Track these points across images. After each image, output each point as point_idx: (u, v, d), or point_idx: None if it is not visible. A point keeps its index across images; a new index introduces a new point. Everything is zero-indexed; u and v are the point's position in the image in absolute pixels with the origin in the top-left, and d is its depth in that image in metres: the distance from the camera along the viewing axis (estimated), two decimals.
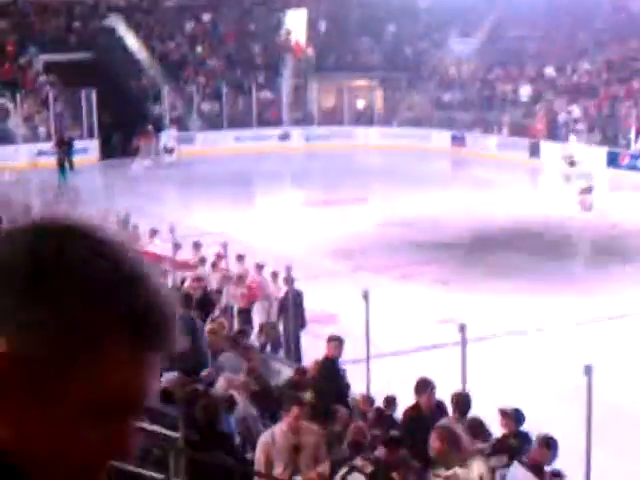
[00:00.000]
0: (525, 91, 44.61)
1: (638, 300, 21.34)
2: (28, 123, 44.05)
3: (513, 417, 10.18)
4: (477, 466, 8.51)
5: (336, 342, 12.33)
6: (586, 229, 29.10)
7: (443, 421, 9.54)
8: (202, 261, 19.79)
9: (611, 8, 47.23)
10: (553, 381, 15.84)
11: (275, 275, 18.64)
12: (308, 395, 10.69)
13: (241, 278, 18.45)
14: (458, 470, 8.43)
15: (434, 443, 8.48)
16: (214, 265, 19.48)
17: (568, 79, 44.82)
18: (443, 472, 8.48)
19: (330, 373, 11.90)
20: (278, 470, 8.32)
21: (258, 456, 8.47)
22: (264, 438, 8.50)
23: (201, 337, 12.90)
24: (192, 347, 11.93)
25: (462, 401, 9.92)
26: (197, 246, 20.76)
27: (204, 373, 11.05)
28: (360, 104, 50.55)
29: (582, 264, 24.99)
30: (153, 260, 18.73)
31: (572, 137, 38.08)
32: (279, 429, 8.44)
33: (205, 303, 16.77)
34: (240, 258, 19.53)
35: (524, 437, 10.39)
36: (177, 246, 20.14)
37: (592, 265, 24.89)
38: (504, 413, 10.41)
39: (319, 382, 11.46)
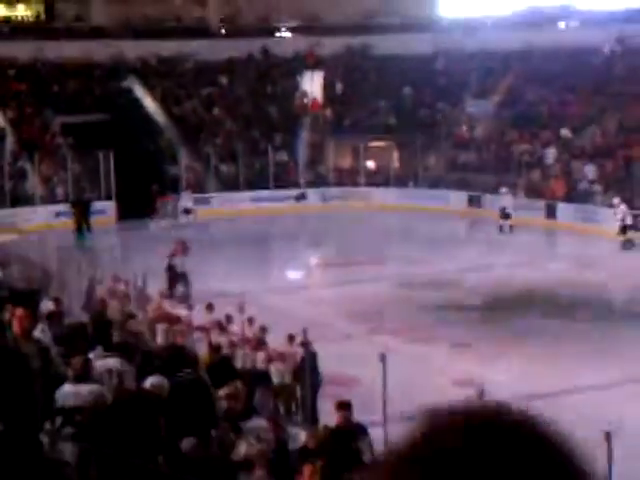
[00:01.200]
0: (551, 154, 44.57)
1: None
2: (46, 184, 44.30)
3: None
4: None
5: (345, 409, 12.14)
6: (603, 291, 28.94)
7: None
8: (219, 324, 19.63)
9: (626, 70, 47.39)
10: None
11: (292, 338, 18.50)
12: (318, 463, 10.57)
13: (260, 341, 18.33)
14: None
15: None
16: (222, 328, 19.29)
17: (584, 141, 44.88)
18: None
19: (341, 441, 11.75)
20: None
21: None
22: None
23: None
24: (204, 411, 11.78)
25: None
26: (210, 307, 20.67)
27: None
28: (371, 165, 50.61)
29: (601, 326, 24.78)
30: (170, 321, 18.78)
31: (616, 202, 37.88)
32: None
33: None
34: (251, 321, 19.32)
35: None
36: (210, 307, 20.22)
37: (612, 328, 24.67)
38: None
39: (329, 450, 11.30)
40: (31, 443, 7.49)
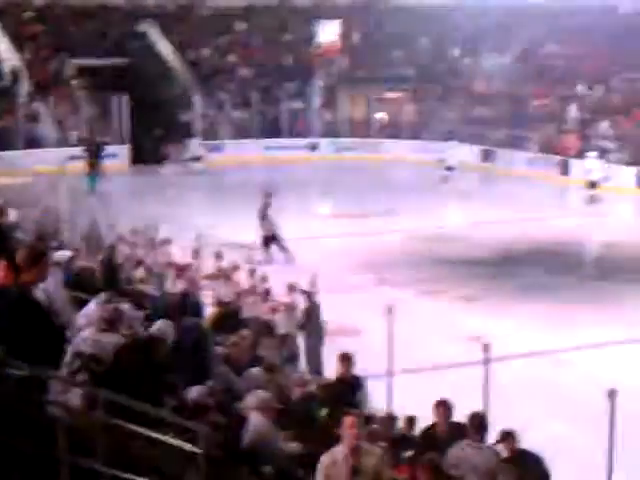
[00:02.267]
0: (573, 109, 44.27)
1: None
2: (60, 127, 44.28)
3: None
4: None
5: (347, 360, 12.23)
6: (615, 248, 28.93)
7: (459, 445, 9.46)
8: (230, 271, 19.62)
9: None
10: (576, 404, 15.75)
11: (292, 287, 18.50)
12: (323, 412, 10.66)
13: (267, 292, 18.36)
14: None
15: (420, 477, 8.38)
16: (227, 277, 19.32)
17: (600, 97, 44.63)
18: None
19: (343, 392, 11.84)
20: None
21: (318, 477, 8.35)
22: (325, 458, 8.39)
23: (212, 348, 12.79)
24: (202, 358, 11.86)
25: (478, 422, 9.83)
26: (218, 256, 20.64)
27: None
28: (383, 116, 50.37)
29: (610, 285, 24.80)
30: (178, 268, 18.84)
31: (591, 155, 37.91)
32: (339, 449, 8.35)
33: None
34: (252, 272, 19.28)
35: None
36: (197, 254, 20.22)
37: (620, 284, 24.70)
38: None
39: (333, 401, 11.40)
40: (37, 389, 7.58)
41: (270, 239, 27.02)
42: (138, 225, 22.60)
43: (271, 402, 9.66)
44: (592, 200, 35.74)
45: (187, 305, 14.09)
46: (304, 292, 17.00)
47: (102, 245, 20.83)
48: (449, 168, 40.00)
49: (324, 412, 10.82)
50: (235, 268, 19.47)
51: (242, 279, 19.15)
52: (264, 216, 27.35)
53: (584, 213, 34.99)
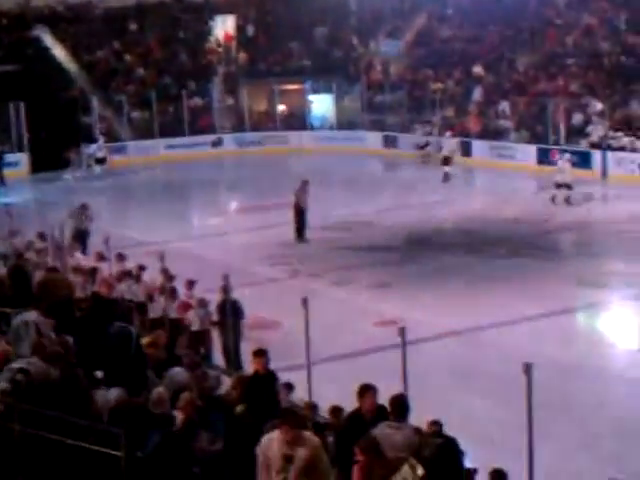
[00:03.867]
0: (477, 91, 44.67)
1: (575, 295, 21.70)
2: None
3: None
4: (403, 476, 8.46)
5: (261, 356, 12.23)
6: (520, 226, 29.32)
7: (380, 426, 9.50)
8: (126, 273, 19.39)
9: (536, 6, 47.71)
10: (493, 380, 15.93)
11: (191, 283, 18.46)
12: (239, 408, 10.61)
13: (171, 291, 18.23)
14: None
15: (358, 456, 8.43)
16: (137, 277, 19.14)
17: (496, 77, 45.17)
18: None
19: (259, 388, 11.82)
20: (273, 476, 8.31)
21: (259, 455, 8.40)
22: (264, 440, 8.43)
23: (139, 349, 12.69)
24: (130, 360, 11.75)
25: (399, 404, 9.89)
26: (121, 257, 20.41)
27: None
28: (283, 108, 50.38)
29: (519, 261, 25.14)
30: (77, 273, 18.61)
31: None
32: (276, 435, 8.37)
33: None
34: (164, 271, 19.11)
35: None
36: (102, 258, 19.99)
37: (528, 262, 25.05)
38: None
39: (249, 397, 11.38)
40: None
41: None
42: (44, 231, 22.25)
43: (194, 401, 9.60)
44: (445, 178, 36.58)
45: (110, 308, 13.94)
46: (224, 288, 16.86)
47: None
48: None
49: (240, 408, 10.75)
50: (141, 268, 19.29)
51: (150, 279, 18.98)
52: None
53: (487, 192, 35.44)
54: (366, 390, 10.24)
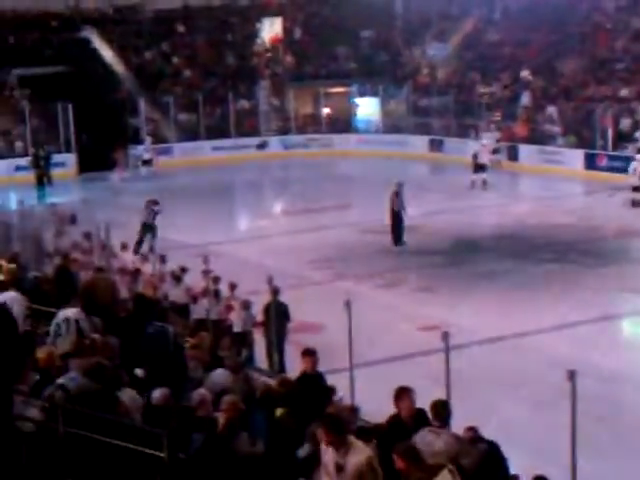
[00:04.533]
0: (526, 96, 44.42)
1: (621, 302, 21.50)
2: (5, 138, 43.89)
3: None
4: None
5: (311, 356, 12.22)
6: (567, 231, 29.11)
7: (420, 432, 9.46)
8: (170, 275, 19.51)
9: (586, 10, 47.39)
10: (536, 387, 15.82)
11: (233, 286, 18.54)
12: (280, 411, 10.59)
13: (214, 292, 18.29)
14: None
15: (397, 463, 8.41)
16: (179, 279, 19.27)
17: (544, 82, 44.89)
18: None
19: (306, 388, 11.79)
20: None
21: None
22: (323, 445, 8.50)
23: (178, 348, 12.70)
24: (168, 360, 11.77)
25: (441, 409, 9.83)
26: (163, 259, 20.50)
27: None
28: (328, 111, 50.33)
29: (565, 268, 24.96)
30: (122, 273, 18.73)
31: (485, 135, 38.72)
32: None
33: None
34: (206, 273, 19.19)
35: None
36: (163, 258, 20.10)
37: (574, 268, 24.86)
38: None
39: (295, 398, 11.34)
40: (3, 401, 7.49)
41: None
42: (90, 232, 22.38)
43: (237, 404, 9.59)
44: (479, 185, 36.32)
45: (152, 309, 13.99)
46: (272, 290, 16.90)
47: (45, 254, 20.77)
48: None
49: (279, 412, 10.73)
50: (183, 270, 19.40)
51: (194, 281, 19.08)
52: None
53: (535, 198, 35.22)
54: (403, 393, 10.20)
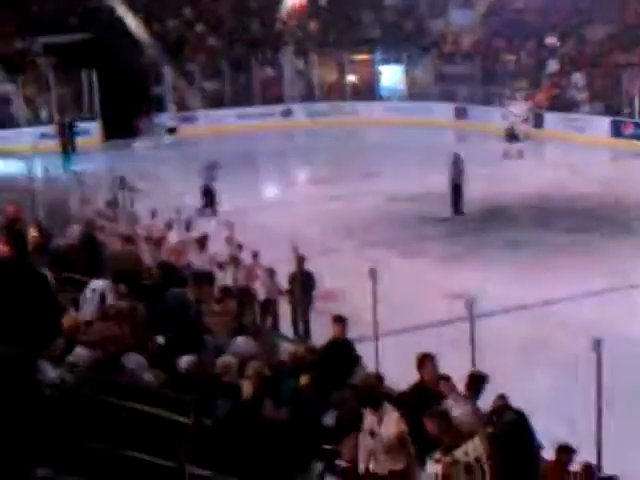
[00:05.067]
0: (551, 65, 44.09)
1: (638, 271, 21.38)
2: (30, 106, 43.98)
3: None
4: (474, 447, 8.46)
5: (341, 323, 12.26)
6: (592, 200, 28.97)
7: (449, 402, 9.49)
8: (194, 242, 19.58)
9: None
10: (563, 355, 15.80)
11: (255, 255, 18.57)
12: (303, 378, 10.62)
13: (236, 260, 18.31)
14: (455, 453, 8.38)
15: (427, 426, 8.45)
16: (203, 246, 19.32)
17: (570, 49, 44.56)
18: (439, 455, 8.44)
19: (337, 355, 11.83)
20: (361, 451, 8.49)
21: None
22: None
23: (197, 316, 12.73)
24: (188, 325, 11.79)
25: (474, 382, 9.85)
26: (188, 226, 20.48)
27: None
28: (353, 79, 50.12)
29: (588, 236, 24.86)
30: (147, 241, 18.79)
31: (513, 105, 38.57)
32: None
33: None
34: (229, 240, 19.20)
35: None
36: (171, 226, 20.10)
37: (599, 236, 24.76)
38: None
39: (320, 365, 11.38)
40: (28, 367, 7.53)
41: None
42: (115, 199, 22.49)
43: (262, 371, 9.62)
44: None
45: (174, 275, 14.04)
46: (297, 259, 16.92)
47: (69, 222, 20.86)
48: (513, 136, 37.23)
49: (304, 379, 10.76)
50: (205, 237, 19.44)
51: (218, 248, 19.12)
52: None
53: (559, 166, 35.00)
54: (424, 359, 10.25)
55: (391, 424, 8.37)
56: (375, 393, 8.69)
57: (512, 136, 36.43)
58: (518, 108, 39.56)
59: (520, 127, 37.18)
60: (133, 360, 9.43)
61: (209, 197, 28.45)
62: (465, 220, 27.12)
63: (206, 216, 26.96)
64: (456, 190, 27.79)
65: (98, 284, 12.58)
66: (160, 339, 11.26)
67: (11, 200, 20.01)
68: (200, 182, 28.67)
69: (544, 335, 17.17)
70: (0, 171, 28.21)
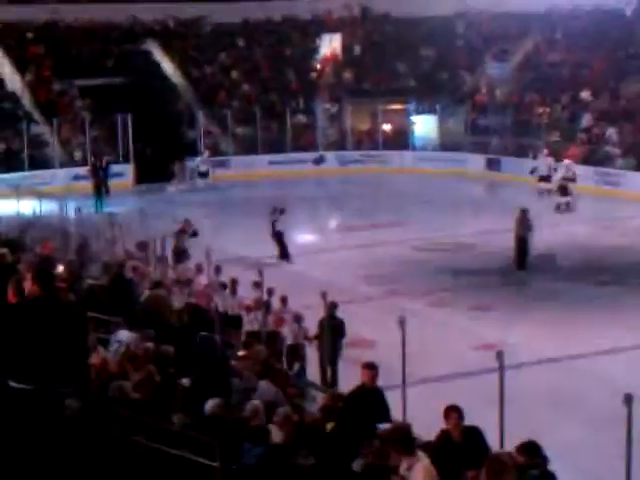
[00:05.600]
0: (586, 119, 44.07)
1: None
2: (65, 148, 44.37)
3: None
4: None
5: (371, 370, 12.18)
6: (623, 254, 28.82)
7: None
8: (223, 286, 19.64)
9: None
10: (592, 410, 15.65)
11: (284, 300, 18.61)
12: (329, 426, 10.55)
13: (266, 305, 18.32)
14: None
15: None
16: (233, 290, 19.41)
17: (604, 104, 44.54)
18: None
19: (365, 402, 11.75)
20: None
21: None
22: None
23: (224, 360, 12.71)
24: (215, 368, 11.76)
25: (531, 448, 9.69)
26: (218, 270, 20.54)
27: None
28: (388, 128, 50.27)
29: (621, 290, 24.70)
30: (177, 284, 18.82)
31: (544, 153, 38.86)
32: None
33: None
34: (257, 285, 19.22)
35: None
36: (218, 269, 20.09)
37: (631, 291, 24.59)
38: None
39: (350, 411, 11.30)
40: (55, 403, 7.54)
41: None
42: (146, 242, 22.55)
43: (291, 417, 9.58)
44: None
45: (203, 319, 14.05)
46: (325, 305, 16.84)
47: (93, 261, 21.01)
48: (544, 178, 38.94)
49: (329, 426, 10.69)
50: (235, 281, 19.49)
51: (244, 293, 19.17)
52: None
53: (592, 219, 34.86)
54: (450, 411, 10.26)
55: (421, 471, 8.30)
56: (409, 438, 8.62)
57: (563, 190, 36.52)
58: (543, 164, 39.46)
59: (568, 181, 37.26)
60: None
61: (280, 242, 28.55)
62: (489, 271, 26.94)
63: (286, 261, 27.64)
64: (521, 244, 27.51)
65: (124, 335, 12.60)
66: (185, 381, 11.24)
67: (44, 239, 20.18)
68: (268, 228, 28.77)
69: (573, 388, 17.03)
70: (34, 211, 28.34)
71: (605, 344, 19.66)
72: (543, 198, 37.02)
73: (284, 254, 28.19)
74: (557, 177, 37.86)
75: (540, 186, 38.42)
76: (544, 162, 39.03)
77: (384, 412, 11.87)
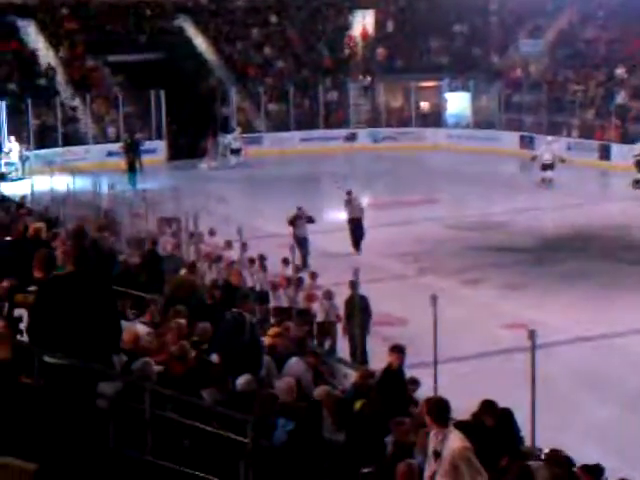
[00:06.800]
0: (620, 97, 43.66)
1: None
2: (98, 124, 44.53)
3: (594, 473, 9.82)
4: None
5: (398, 352, 12.21)
6: None
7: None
8: (251, 262, 19.73)
9: None
10: (623, 389, 15.61)
11: (313, 275, 18.70)
12: (358, 403, 10.59)
13: (298, 281, 18.36)
14: None
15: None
16: (261, 266, 19.51)
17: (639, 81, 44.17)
18: None
19: (391, 383, 11.80)
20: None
21: None
22: (430, 432, 8.59)
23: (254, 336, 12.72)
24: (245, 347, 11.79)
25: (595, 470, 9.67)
26: (245, 247, 20.59)
27: None
28: (424, 105, 50.09)
29: None
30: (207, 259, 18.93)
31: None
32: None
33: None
34: (285, 261, 19.27)
35: None
36: (244, 246, 20.14)
37: None
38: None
39: (377, 392, 11.35)
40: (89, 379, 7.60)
41: None
42: (178, 218, 22.68)
43: (331, 394, 9.64)
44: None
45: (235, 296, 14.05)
46: (352, 283, 16.81)
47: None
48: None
49: (359, 404, 10.74)
50: (263, 258, 19.57)
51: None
52: None
53: (625, 198, 34.64)
54: (489, 407, 10.28)
55: (457, 436, 8.32)
56: (447, 410, 8.63)
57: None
58: (547, 151, 38.31)
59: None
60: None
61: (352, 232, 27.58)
62: (521, 249, 26.83)
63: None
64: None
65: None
66: (214, 357, 11.28)
67: (78, 217, 20.32)
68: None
69: (605, 368, 16.97)
70: (68, 188, 28.48)
71: (636, 323, 19.58)
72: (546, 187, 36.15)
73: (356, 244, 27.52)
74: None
75: (544, 175, 36.70)
76: (548, 149, 37.88)
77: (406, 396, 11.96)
